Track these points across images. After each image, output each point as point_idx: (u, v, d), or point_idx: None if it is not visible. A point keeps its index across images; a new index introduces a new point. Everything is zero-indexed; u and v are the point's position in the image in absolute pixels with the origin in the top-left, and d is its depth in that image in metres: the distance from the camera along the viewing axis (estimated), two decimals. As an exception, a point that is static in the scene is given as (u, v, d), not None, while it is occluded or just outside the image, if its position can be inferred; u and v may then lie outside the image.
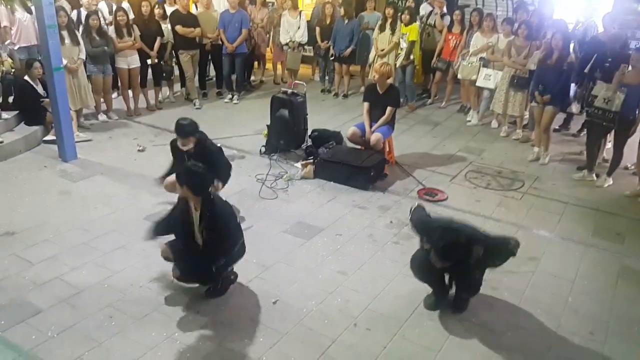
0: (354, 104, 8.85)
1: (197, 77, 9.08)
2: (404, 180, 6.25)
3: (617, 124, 5.95)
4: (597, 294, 4.28)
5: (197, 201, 3.77)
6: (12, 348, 3.47)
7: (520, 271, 4.47)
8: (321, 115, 8.26)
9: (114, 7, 8.27)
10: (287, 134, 6.76)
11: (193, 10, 9.31)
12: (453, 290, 4.02)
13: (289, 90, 6.95)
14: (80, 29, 7.48)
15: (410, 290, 4.18)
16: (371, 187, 5.98)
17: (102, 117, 7.90)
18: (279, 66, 10.46)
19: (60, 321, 3.72)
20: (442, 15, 8.87)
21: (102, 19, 7.87)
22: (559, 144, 7.40)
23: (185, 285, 4.07)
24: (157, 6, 8.37)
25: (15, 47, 7.40)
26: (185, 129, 4.74)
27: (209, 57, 9.20)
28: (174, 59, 8.72)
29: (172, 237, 3.99)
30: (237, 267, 4.20)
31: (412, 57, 8.57)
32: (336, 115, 8.49)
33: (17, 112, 7.03)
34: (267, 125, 7.00)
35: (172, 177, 4.76)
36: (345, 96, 9.51)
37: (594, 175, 6.34)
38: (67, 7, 7.99)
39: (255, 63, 10.57)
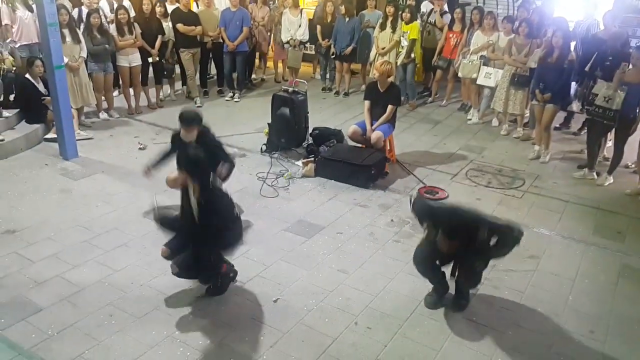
0: (355, 102, 8.85)
1: (198, 75, 9.08)
2: (404, 178, 6.25)
3: (617, 123, 5.95)
4: (598, 292, 4.28)
5: (196, 188, 3.75)
6: (12, 347, 3.47)
7: (521, 270, 4.48)
8: (322, 114, 8.27)
9: (115, 5, 8.26)
10: (288, 132, 6.75)
11: (194, 8, 9.30)
12: (453, 290, 4.02)
13: (290, 89, 6.94)
14: (82, 27, 7.48)
15: (411, 288, 4.19)
16: (372, 185, 5.99)
17: (103, 115, 7.90)
18: (280, 64, 10.46)
19: (60, 319, 3.73)
20: (443, 14, 8.86)
21: (103, 17, 7.86)
22: (559, 143, 7.39)
23: (186, 285, 4.08)
24: (158, 4, 8.36)
25: (17, 45, 7.39)
26: (190, 118, 4.71)
27: (210, 55, 9.20)
28: (175, 57, 8.72)
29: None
30: (238, 265, 4.22)
31: (412, 55, 8.57)
32: (337, 113, 8.49)
33: (18, 110, 7.03)
34: (268, 124, 7.01)
35: (174, 173, 4.74)
36: (346, 94, 9.51)
37: (594, 173, 6.34)
38: (69, 5, 8.00)
39: (257, 61, 10.56)
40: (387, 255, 4.69)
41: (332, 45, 9.20)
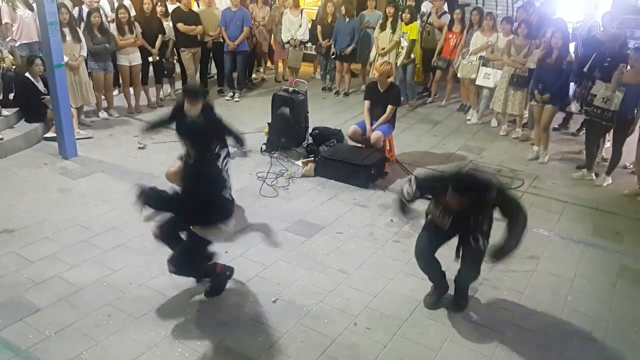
0: (355, 102, 8.85)
1: (198, 74, 9.08)
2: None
3: (615, 123, 5.96)
4: (597, 293, 4.29)
5: (193, 154, 3.74)
6: (10, 347, 3.45)
7: (520, 270, 4.48)
8: (322, 114, 8.27)
9: (116, 5, 8.26)
10: (288, 132, 6.75)
11: (195, 7, 9.31)
12: (453, 291, 4.03)
13: (290, 88, 6.94)
14: (82, 26, 7.48)
15: (411, 289, 4.19)
16: (372, 185, 5.99)
17: (102, 114, 7.89)
18: (280, 64, 10.46)
19: (58, 320, 3.72)
20: (442, 14, 8.86)
21: (103, 16, 7.85)
22: (558, 143, 7.39)
23: (184, 285, 4.07)
24: (159, 3, 8.36)
25: (17, 44, 7.38)
26: (195, 90, 4.66)
27: (211, 55, 9.20)
28: (175, 57, 8.72)
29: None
30: (237, 265, 4.22)
31: (412, 55, 8.57)
32: (337, 113, 8.49)
33: (17, 109, 7.02)
34: (268, 123, 7.00)
35: (174, 167, 4.71)
36: (346, 94, 9.51)
37: (593, 174, 6.35)
38: (69, 4, 7.97)
39: (264, 63, 10.60)
40: (387, 255, 4.69)
41: (333, 46, 9.20)
